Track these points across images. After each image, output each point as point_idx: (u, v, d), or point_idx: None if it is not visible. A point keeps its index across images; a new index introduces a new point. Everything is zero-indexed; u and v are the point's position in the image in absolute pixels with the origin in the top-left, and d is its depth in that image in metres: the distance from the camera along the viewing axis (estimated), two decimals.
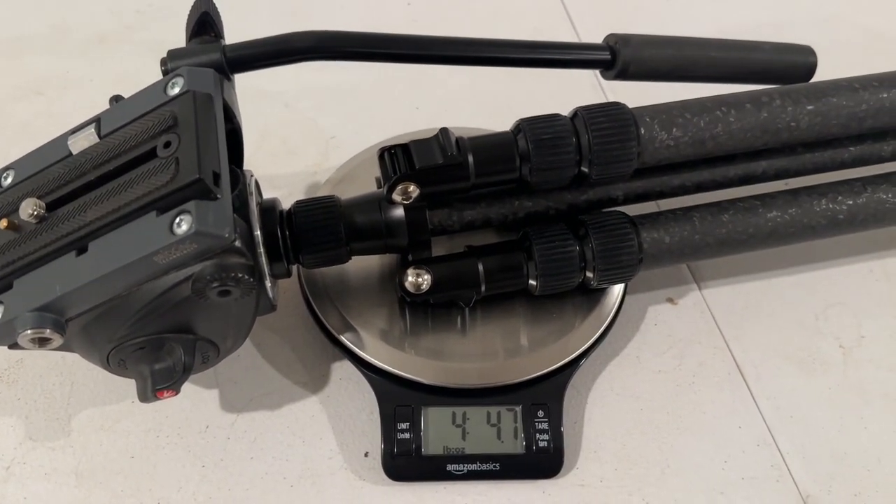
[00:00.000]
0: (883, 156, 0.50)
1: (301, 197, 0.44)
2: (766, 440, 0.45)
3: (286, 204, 0.43)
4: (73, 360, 0.44)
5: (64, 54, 0.64)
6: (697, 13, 0.70)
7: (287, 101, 0.62)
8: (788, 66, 0.50)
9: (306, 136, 0.60)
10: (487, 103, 0.60)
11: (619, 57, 0.45)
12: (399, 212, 0.42)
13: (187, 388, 0.45)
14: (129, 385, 0.40)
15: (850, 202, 0.47)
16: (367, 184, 0.47)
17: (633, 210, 0.46)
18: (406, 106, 0.61)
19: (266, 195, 0.43)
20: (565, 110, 0.43)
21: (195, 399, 0.46)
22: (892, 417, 0.46)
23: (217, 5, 0.43)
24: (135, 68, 0.62)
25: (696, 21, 0.69)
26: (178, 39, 0.42)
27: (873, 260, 0.54)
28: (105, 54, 0.64)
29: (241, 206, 0.38)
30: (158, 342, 0.37)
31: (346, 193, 0.44)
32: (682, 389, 0.47)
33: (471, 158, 0.41)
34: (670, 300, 0.51)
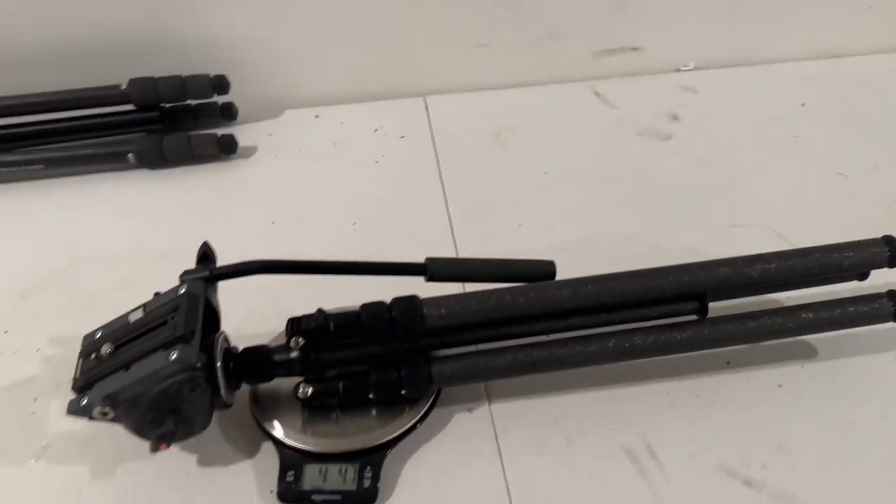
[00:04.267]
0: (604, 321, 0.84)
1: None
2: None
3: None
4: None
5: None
6: (535, 233, 1.07)
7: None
8: (537, 271, 0.86)
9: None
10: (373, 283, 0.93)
11: (428, 270, 0.82)
12: (296, 353, 0.78)
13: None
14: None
15: (561, 350, 0.80)
16: None
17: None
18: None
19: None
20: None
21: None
22: None
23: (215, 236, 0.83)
24: None
25: (530, 239, 1.06)
26: None
27: (600, 391, 0.85)
28: None
29: (209, 348, 0.75)
30: (161, 417, 0.73)
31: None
32: (456, 464, 0.79)
33: (331, 324, 0.78)
34: (469, 410, 0.84)
